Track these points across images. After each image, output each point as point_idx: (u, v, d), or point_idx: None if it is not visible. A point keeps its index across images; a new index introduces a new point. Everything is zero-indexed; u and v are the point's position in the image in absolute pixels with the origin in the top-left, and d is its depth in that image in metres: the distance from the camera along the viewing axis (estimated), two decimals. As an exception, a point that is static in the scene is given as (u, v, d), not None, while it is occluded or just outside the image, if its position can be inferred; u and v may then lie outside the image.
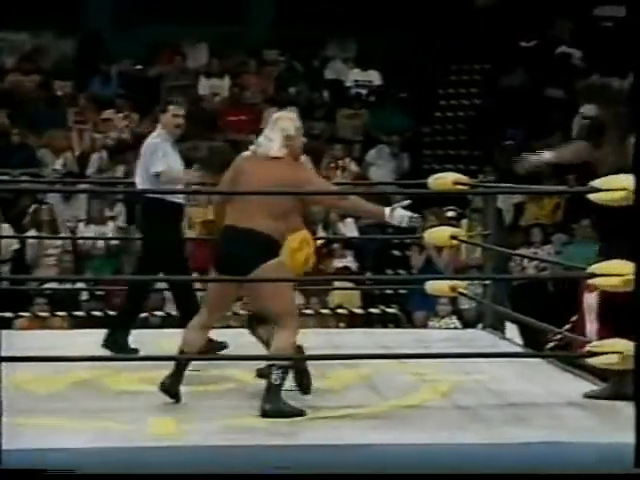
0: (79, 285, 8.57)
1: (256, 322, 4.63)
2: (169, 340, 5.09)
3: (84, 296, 8.54)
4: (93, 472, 3.48)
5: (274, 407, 4.06)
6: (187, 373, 4.56)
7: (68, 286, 8.50)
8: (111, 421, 4.00)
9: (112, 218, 9.42)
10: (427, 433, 3.87)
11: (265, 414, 4.06)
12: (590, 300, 4.78)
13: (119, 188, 8.62)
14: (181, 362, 4.28)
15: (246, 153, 4.35)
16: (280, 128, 4.22)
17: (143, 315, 8.20)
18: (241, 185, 4.22)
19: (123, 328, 5.39)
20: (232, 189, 4.25)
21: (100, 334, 5.97)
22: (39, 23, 11.55)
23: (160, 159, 5.32)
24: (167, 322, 7.79)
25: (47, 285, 8.33)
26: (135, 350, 5.27)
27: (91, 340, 5.67)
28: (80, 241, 9.06)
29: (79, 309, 8.30)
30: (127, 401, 4.39)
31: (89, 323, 7.81)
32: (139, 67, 11.65)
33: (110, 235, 9.11)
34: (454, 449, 3.71)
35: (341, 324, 8.14)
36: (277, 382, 4.08)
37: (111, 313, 8.19)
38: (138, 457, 3.61)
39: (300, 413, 4.08)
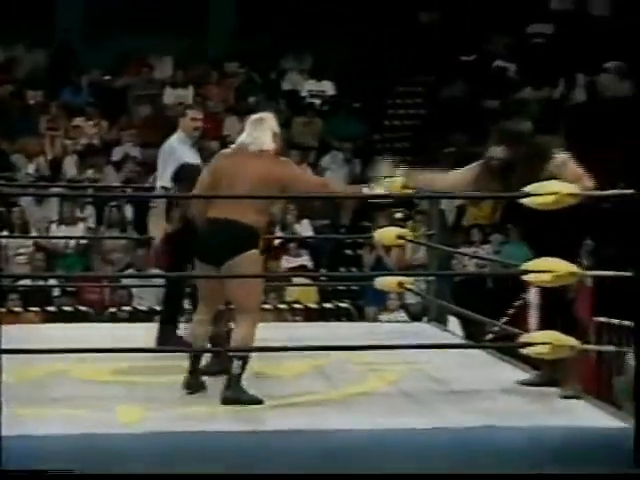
0: (51, 282, 8.49)
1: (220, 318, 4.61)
2: (138, 333, 5.09)
3: (56, 292, 8.47)
4: (61, 458, 3.45)
5: (234, 395, 4.05)
6: (160, 364, 4.57)
7: (41, 283, 8.42)
8: (80, 409, 3.97)
9: (82, 219, 9.36)
10: (375, 418, 3.88)
11: (225, 401, 4.05)
12: (532, 296, 4.86)
13: (89, 191, 8.55)
14: (195, 357, 4.23)
15: (226, 151, 4.36)
16: (268, 126, 4.24)
17: (111, 310, 8.20)
18: (227, 179, 4.16)
19: (172, 323, 5.29)
20: (215, 185, 4.19)
21: (71, 328, 5.95)
22: (13, 36, 11.43)
23: (180, 157, 5.26)
24: (134, 317, 7.75)
25: (20, 282, 8.24)
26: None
27: (64, 334, 5.64)
28: (52, 240, 8.98)
29: (51, 304, 8.22)
30: (97, 390, 4.35)
31: (60, 318, 7.74)
32: (108, 77, 11.58)
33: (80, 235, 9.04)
34: (400, 433, 3.73)
35: (297, 318, 8.14)
36: (237, 371, 4.06)
37: (82, 308, 8.15)
38: (105, 443, 3.59)
39: (259, 401, 4.07)
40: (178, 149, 5.32)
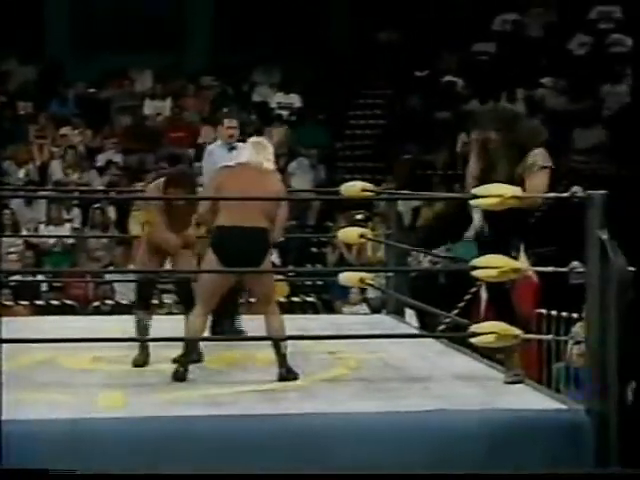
0: (39, 277, 8.40)
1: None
2: (120, 325, 5.03)
3: (44, 287, 8.37)
4: (45, 440, 3.38)
5: (288, 371, 4.20)
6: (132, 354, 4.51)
7: (30, 278, 8.32)
8: (65, 395, 3.90)
9: (69, 220, 9.27)
10: (337, 403, 3.86)
11: (282, 377, 4.18)
12: (484, 292, 4.87)
13: (75, 194, 8.46)
14: (189, 350, 4.24)
15: (230, 166, 4.47)
16: (270, 151, 4.43)
17: (95, 304, 8.11)
18: (235, 190, 4.25)
19: (231, 316, 5.31)
20: (221, 194, 4.28)
21: (58, 321, 5.86)
22: (5, 51, 11.33)
23: (215, 161, 5.25)
24: (116, 310, 7.66)
25: (11, 278, 8.13)
26: (243, 331, 5.26)
27: (52, 326, 5.56)
28: (41, 239, 8.88)
29: (39, 299, 8.13)
30: (81, 378, 4.29)
31: (48, 311, 7.65)
32: (92, 90, 11.50)
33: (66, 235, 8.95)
34: (360, 417, 3.72)
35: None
36: (285, 351, 4.22)
37: (68, 302, 8.05)
38: (87, 427, 3.53)
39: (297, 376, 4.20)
40: (215, 154, 5.41)
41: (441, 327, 6.72)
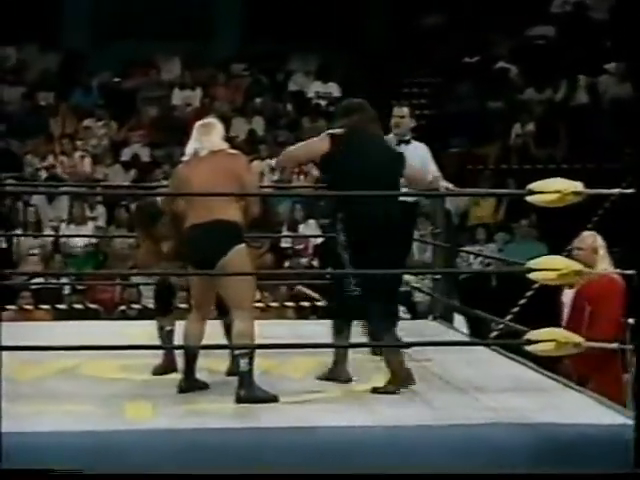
0: (62, 280, 8.48)
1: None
2: (145, 330, 5.07)
3: (66, 290, 8.46)
4: (70, 454, 3.43)
5: (248, 393, 4.00)
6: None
7: (52, 281, 8.42)
8: (89, 405, 3.95)
9: (93, 219, 9.35)
10: (379, 416, 3.86)
11: (240, 400, 4.00)
12: (566, 297, 4.82)
13: (99, 190, 8.55)
14: (188, 358, 4.20)
15: (181, 163, 4.32)
16: (216, 131, 4.27)
17: (121, 308, 8.19)
18: (195, 185, 4.14)
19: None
20: (184, 191, 4.18)
21: (81, 326, 5.92)
22: (24, 38, 11.45)
23: None
24: (143, 314, 7.72)
25: (32, 280, 8.24)
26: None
27: (73, 331, 5.63)
28: (63, 239, 8.98)
29: (62, 302, 8.22)
30: (106, 387, 4.34)
31: (71, 316, 7.73)
32: (117, 80, 11.58)
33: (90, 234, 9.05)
34: (405, 430, 3.71)
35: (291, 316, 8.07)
36: (246, 368, 4.03)
37: (92, 306, 8.13)
38: (114, 439, 3.57)
39: (274, 398, 4.03)
40: None
41: (493, 334, 6.69)
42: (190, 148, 4.27)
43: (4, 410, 3.67)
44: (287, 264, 8.86)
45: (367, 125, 4.41)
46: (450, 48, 11.64)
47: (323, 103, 11.56)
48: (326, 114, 11.34)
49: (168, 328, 4.62)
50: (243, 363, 4.02)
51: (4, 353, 4.27)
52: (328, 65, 11.80)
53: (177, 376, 4.39)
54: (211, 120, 4.36)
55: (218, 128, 4.28)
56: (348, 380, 4.39)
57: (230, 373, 4.47)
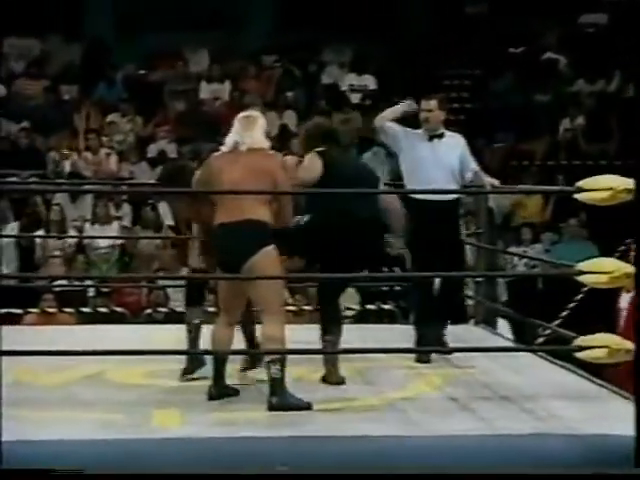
0: (86, 282, 8.56)
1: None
2: (172, 335, 5.11)
3: (91, 293, 8.54)
4: (97, 463, 3.47)
5: (280, 401, 4.02)
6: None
7: (76, 283, 8.50)
8: (115, 413, 3.99)
9: (118, 218, 9.41)
10: (420, 425, 3.87)
11: (272, 408, 4.02)
12: (623, 301, 4.78)
13: (124, 189, 8.62)
14: (217, 364, 4.23)
15: (218, 153, 4.33)
16: (260, 124, 4.28)
17: (147, 311, 8.25)
18: (225, 181, 4.16)
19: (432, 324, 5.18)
20: (211, 188, 4.21)
21: (106, 330, 5.98)
22: (47, 29, 11.54)
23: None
24: (170, 318, 7.78)
25: (55, 282, 8.32)
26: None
27: (97, 335, 5.69)
28: (87, 240, 9.04)
29: (86, 305, 8.29)
30: (132, 394, 4.38)
31: (96, 319, 7.81)
32: (142, 72, 11.64)
33: (115, 235, 9.11)
34: (446, 440, 3.71)
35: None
36: (278, 375, 4.06)
37: (119, 309, 8.20)
38: (142, 447, 3.61)
39: (307, 406, 4.04)
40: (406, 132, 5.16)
41: (540, 339, 6.66)
42: (230, 140, 4.28)
43: (31, 417, 3.75)
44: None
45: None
46: (493, 38, 11.58)
47: (358, 96, 11.56)
48: (361, 108, 11.35)
49: (197, 321, 4.65)
50: (274, 369, 4.04)
51: (30, 359, 4.36)
52: (363, 56, 11.79)
53: (205, 382, 4.43)
54: (253, 113, 4.37)
55: (260, 122, 4.29)
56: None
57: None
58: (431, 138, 5.14)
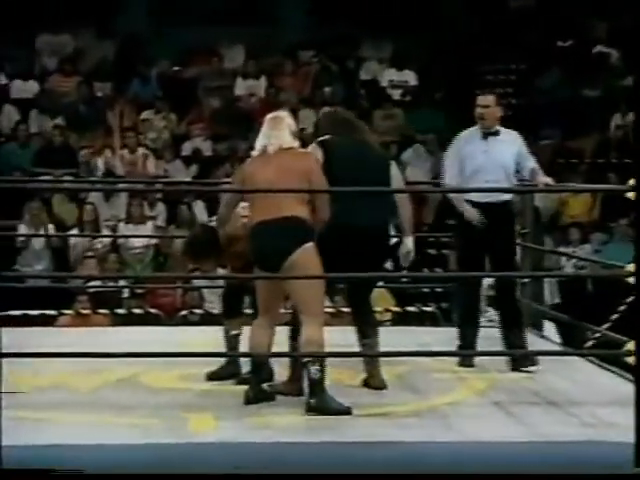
0: (120, 283, 8.62)
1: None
2: (207, 337, 5.13)
3: (125, 294, 8.59)
4: (131, 468, 3.49)
5: (319, 403, 4.03)
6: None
7: (110, 284, 8.56)
8: (149, 417, 4.01)
9: (152, 218, 9.47)
10: (464, 431, 3.85)
11: (310, 410, 4.03)
12: None
13: (158, 187, 8.66)
14: (254, 367, 4.25)
15: (249, 159, 4.39)
16: (287, 124, 4.32)
17: (182, 313, 8.28)
18: (260, 184, 4.20)
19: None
20: (248, 188, 4.25)
21: (140, 332, 6.00)
22: (79, 25, 11.64)
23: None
24: (205, 320, 7.81)
25: (89, 283, 8.39)
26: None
27: (131, 337, 5.72)
28: (120, 240, 9.11)
29: (121, 307, 8.34)
30: (166, 398, 4.40)
31: (131, 321, 7.85)
32: (177, 69, 11.70)
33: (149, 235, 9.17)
34: (491, 447, 3.69)
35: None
36: (317, 376, 4.06)
37: (153, 311, 8.24)
38: (177, 453, 3.62)
39: (347, 411, 4.04)
40: (461, 137, 5.10)
41: (589, 343, 6.59)
42: (259, 144, 4.33)
43: (67, 420, 3.77)
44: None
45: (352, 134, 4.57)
46: (540, 31, 11.48)
47: (398, 93, 11.54)
48: (401, 104, 11.33)
49: (234, 332, 4.68)
50: (313, 370, 4.05)
51: (56, 361, 4.40)
52: (403, 51, 11.76)
53: (239, 386, 4.44)
54: (280, 113, 4.41)
55: (287, 122, 4.33)
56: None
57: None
58: (485, 136, 5.07)
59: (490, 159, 5.02)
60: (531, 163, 5.13)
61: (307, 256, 4.11)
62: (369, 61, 11.94)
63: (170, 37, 11.60)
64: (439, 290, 8.46)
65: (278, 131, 4.29)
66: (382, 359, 4.58)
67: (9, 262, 8.86)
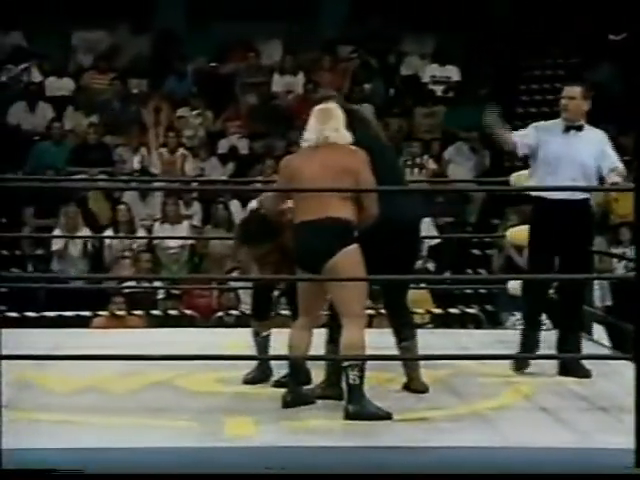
0: (156, 284, 8.68)
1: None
2: (243, 339, 5.15)
3: (160, 295, 8.65)
4: (169, 472, 3.52)
5: (359, 409, 4.03)
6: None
7: (145, 285, 8.61)
8: (186, 421, 4.04)
9: (188, 217, 9.52)
10: (510, 436, 3.84)
11: (349, 416, 4.03)
12: None
13: (194, 186, 8.70)
14: (293, 369, 4.27)
15: (298, 152, 4.37)
16: (334, 118, 4.27)
17: (218, 314, 8.32)
18: (306, 179, 4.18)
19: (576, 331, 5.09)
20: (295, 186, 4.23)
21: (175, 334, 6.03)
22: (115, 21, 11.73)
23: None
24: (241, 321, 7.84)
25: (124, 284, 8.45)
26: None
27: (166, 339, 5.75)
28: (156, 240, 9.17)
29: (156, 308, 8.40)
30: (203, 401, 4.42)
31: (166, 322, 7.91)
32: (213, 64, 11.75)
33: (185, 234, 9.22)
34: (539, 453, 3.67)
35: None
36: (356, 382, 4.06)
37: (189, 312, 8.28)
38: (214, 457, 3.65)
39: (387, 416, 4.04)
40: (539, 128, 4.98)
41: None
42: (307, 137, 4.30)
43: (102, 423, 3.81)
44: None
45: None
46: (590, 24, 11.37)
47: (440, 89, 11.50)
48: (444, 101, 11.29)
49: (264, 334, 4.69)
50: (352, 376, 4.04)
51: (92, 364, 4.44)
52: (446, 46, 11.72)
53: (276, 389, 4.45)
54: (329, 106, 4.35)
55: (337, 115, 4.28)
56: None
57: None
58: (567, 129, 4.94)
59: (567, 155, 4.87)
60: (614, 163, 4.93)
61: (349, 258, 4.11)
62: (410, 56, 11.90)
63: (206, 32, 11.65)
64: (483, 292, 8.43)
65: (327, 124, 4.25)
66: (423, 363, 4.57)
67: (46, 264, 8.98)
